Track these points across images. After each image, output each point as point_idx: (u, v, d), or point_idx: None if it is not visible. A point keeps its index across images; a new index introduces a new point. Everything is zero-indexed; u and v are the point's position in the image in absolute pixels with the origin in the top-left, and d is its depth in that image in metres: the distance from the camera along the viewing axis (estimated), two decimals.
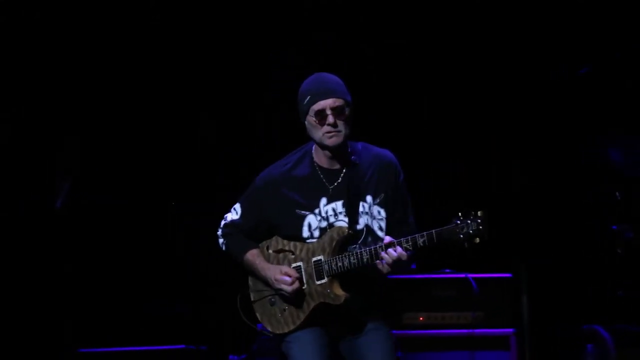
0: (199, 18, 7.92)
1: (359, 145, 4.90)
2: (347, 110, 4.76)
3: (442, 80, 7.91)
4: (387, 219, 4.79)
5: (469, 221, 4.50)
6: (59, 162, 7.60)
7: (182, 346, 6.96)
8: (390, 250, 4.59)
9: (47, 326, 7.41)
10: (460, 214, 4.52)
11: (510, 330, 6.81)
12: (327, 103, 4.73)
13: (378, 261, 4.63)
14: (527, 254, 6.99)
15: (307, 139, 4.92)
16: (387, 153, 4.91)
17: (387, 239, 4.63)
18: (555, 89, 7.59)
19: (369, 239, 4.76)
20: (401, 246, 4.58)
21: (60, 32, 7.76)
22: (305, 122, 4.82)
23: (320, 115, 4.74)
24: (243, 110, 8.03)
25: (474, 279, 6.83)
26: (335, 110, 4.73)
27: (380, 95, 7.89)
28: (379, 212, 4.79)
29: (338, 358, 4.86)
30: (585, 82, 7.20)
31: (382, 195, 4.80)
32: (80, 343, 6.84)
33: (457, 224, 4.52)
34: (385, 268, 4.64)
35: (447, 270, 6.96)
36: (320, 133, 4.75)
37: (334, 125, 4.72)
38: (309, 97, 4.77)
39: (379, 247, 4.62)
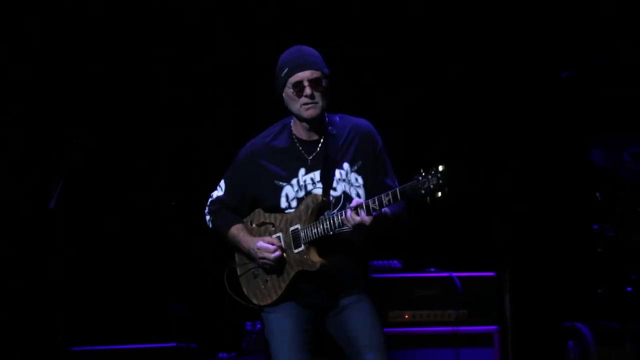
0: (198, 18, 7.98)
1: (337, 116, 4.90)
2: (324, 82, 4.76)
3: (442, 80, 7.92)
4: (365, 185, 4.81)
5: (429, 176, 4.44)
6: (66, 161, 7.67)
7: (173, 344, 7.00)
8: (352, 213, 4.60)
9: (40, 325, 7.51)
10: (421, 170, 4.48)
11: (494, 327, 6.89)
12: (304, 75, 4.74)
13: (347, 225, 4.62)
14: (510, 253, 7.04)
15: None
16: (364, 122, 4.91)
17: (355, 201, 4.65)
18: (548, 90, 7.60)
19: (347, 205, 4.74)
20: (368, 207, 4.57)
21: (58, 32, 7.85)
22: (283, 95, 4.82)
23: (298, 87, 4.74)
24: (243, 110, 8.07)
25: (458, 277, 6.90)
26: (313, 82, 4.74)
27: (380, 94, 7.94)
28: (356, 180, 4.80)
29: (323, 334, 4.88)
30: (574, 84, 7.20)
31: (360, 162, 4.81)
32: (71, 341, 6.86)
33: (419, 180, 4.47)
34: (355, 231, 4.63)
35: (432, 270, 7.03)
36: (297, 105, 4.75)
37: (312, 96, 4.73)
38: (286, 69, 4.77)
39: (348, 209, 4.62)
